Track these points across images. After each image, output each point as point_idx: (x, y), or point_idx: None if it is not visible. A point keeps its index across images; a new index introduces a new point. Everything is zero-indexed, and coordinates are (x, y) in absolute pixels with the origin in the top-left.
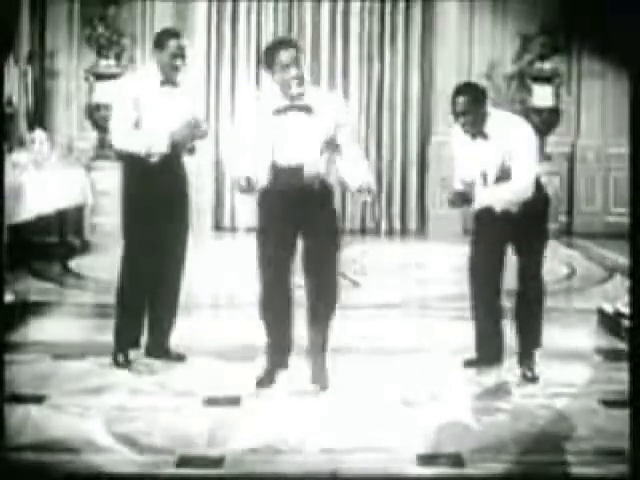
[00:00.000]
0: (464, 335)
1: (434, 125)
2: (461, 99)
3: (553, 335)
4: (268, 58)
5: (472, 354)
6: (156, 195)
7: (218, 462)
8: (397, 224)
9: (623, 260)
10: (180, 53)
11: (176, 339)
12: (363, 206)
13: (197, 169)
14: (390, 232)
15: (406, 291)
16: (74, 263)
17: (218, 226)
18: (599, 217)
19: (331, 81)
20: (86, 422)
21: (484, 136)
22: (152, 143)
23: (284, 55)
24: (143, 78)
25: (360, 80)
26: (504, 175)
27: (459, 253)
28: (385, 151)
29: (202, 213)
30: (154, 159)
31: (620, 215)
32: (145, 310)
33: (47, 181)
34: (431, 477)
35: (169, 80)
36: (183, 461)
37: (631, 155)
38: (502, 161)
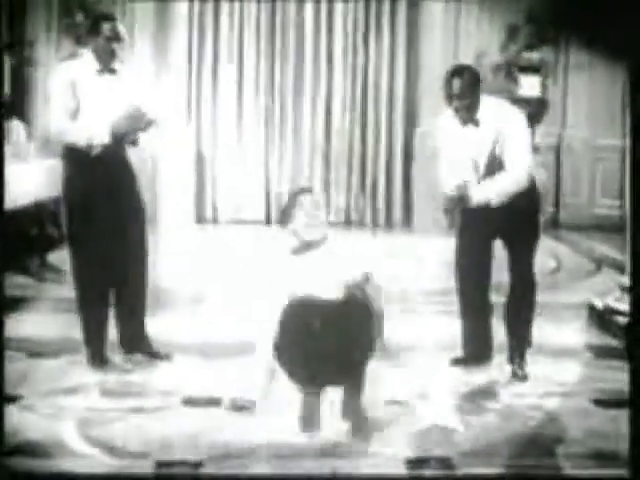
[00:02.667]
0: (452, 331)
1: (419, 116)
2: (457, 81)
3: (541, 331)
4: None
5: (460, 351)
6: (100, 190)
7: (196, 467)
8: (382, 216)
9: (611, 253)
10: (115, 36)
11: (155, 336)
12: (347, 198)
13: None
14: (374, 224)
15: (391, 285)
16: (53, 256)
17: (200, 218)
18: (586, 209)
19: (315, 72)
20: (59, 424)
21: (475, 123)
22: (92, 134)
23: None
24: (79, 66)
25: (344, 71)
26: (495, 164)
27: (445, 246)
28: (370, 142)
29: (183, 205)
30: (95, 151)
31: (607, 207)
32: (108, 308)
33: (25, 172)
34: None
35: (106, 67)
36: (160, 466)
37: (631, 149)
38: (493, 149)
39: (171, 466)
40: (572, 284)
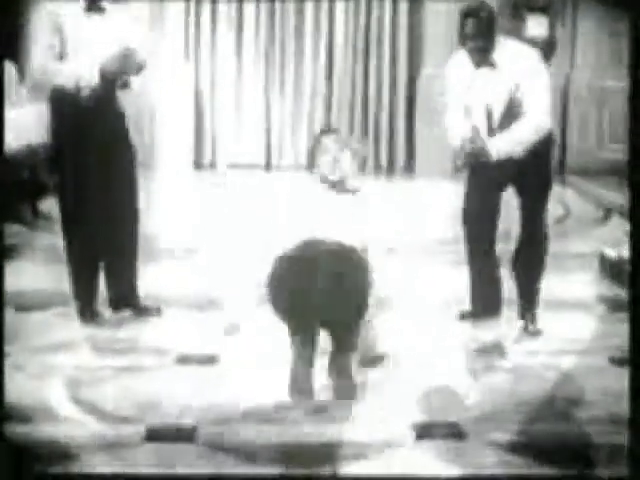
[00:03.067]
0: (460, 283)
1: (424, 58)
2: (471, 21)
3: (550, 283)
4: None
5: (468, 304)
6: (88, 136)
7: (191, 432)
8: (384, 161)
9: (620, 199)
10: None
11: (146, 288)
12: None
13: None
14: (377, 169)
15: (395, 233)
16: (45, 204)
17: (198, 163)
18: (593, 153)
19: (317, 14)
20: (46, 385)
21: (491, 65)
22: (81, 74)
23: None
24: (65, 4)
25: (346, 12)
26: (512, 109)
27: (450, 191)
28: (372, 84)
29: (181, 150)
30: (85, 93)
31: (615, 151)
32: (98, 260)
33: (17, 116)
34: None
35: (94, 5)
36: (152, 432)
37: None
38: (510, 93)
39: (163, 431)
40: (581, 232)
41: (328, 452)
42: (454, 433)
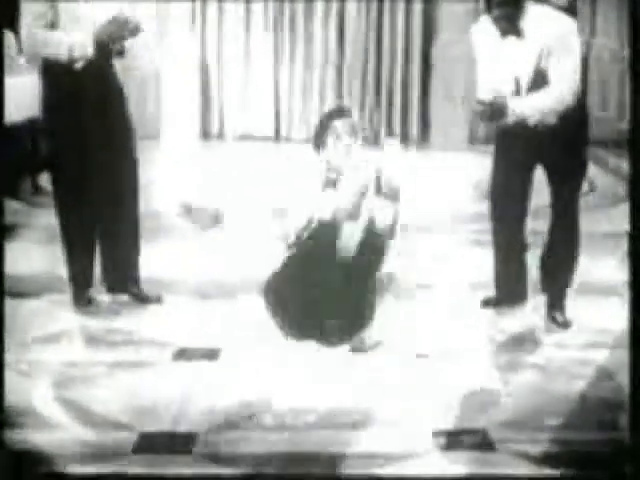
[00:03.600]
0: (483, 265)
1: (440, 24)
2: None
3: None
4: None
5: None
6: (82, 109)
7: (188, 440)
8: (397, 130)
9: None
10: None
11: (145, 272)
12: (361, 113)
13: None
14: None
15: (412, 209)
16: (45, 178)
17: (205, 134)
18: (614, 124)
19: None
20: (32, 384)
21: (518, 33)
22: (74, 44)
23: None
24: None
25: None
26: (540, 79)
27: (468, 164)
28: (385, 50)
29: (188, 119)
30: (78, 64)
31: None
32: (95, 240)
33: (17, 86)
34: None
35: None
36: (144, 440)
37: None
38: (538, 62)
39: (157, 439)
40: (608, 209)
41: (341, 462)
42: (479, 441)
